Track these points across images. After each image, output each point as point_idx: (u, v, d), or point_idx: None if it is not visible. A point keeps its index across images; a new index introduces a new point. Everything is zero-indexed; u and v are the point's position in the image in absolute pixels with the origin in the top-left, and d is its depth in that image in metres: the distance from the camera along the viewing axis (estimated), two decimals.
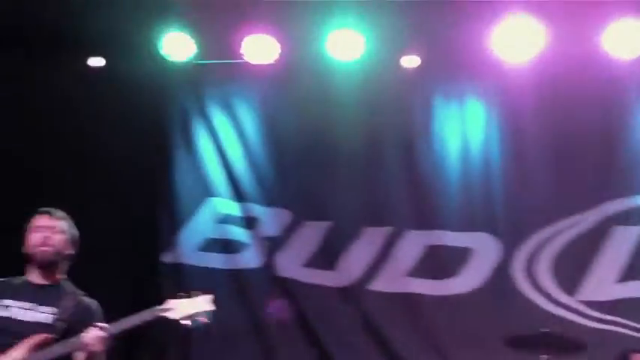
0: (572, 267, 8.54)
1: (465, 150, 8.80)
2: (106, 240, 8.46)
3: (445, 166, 8.81)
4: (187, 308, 4.97)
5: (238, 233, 8.86)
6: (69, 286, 5.40)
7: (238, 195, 8.95)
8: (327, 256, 8.82)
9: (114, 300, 7.97)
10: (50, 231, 5.34)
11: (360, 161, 8.82)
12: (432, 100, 8.90)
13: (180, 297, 5.01)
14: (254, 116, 8.96)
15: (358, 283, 8.73)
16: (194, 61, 8.69)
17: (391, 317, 8.56)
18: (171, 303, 4.99)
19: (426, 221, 8.74)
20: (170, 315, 4.95)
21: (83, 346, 4.95)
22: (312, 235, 8.84)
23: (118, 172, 8.68)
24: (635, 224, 8.53)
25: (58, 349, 5.03)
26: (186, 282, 8.64)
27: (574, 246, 8.52)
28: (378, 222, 8.79)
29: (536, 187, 8.60)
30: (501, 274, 8.55)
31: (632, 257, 8.47)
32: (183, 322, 4.97)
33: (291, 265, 8.76)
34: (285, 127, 8.94)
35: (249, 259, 8.84)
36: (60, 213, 5.47)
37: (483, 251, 8.60)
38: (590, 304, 8.47)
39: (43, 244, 5.31)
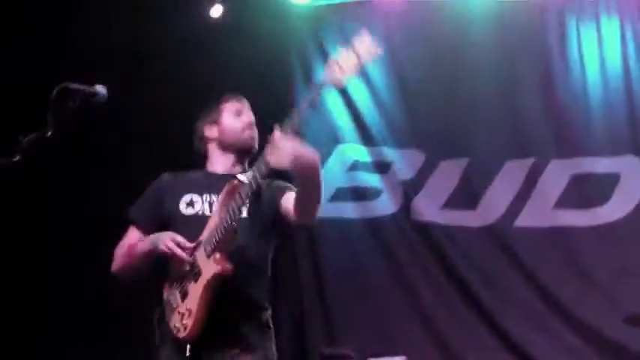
0: None
1: (604, 72, 8.43)
2: None
3: (584, 91, 8.44)
4: (350, 60, 4.30)
5: (370, 179, 8.61)
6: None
7: (367, 139, 8.72)
8: (467, 195, 8.52)
9: None
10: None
11: (496, 95, 8.51)
12: (566, 24, 8.57)
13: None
14: (380, 57, 8.61)
15: (503, 220, 8.40)
16: (315, 3, 8.57)
17: (540, 253, 8.20)
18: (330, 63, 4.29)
19: (570, 149, 8.38)
20: (333, 81, 4.35)
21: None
22: (449, 174, 8.54)
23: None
24: None
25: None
26: (318, 235, 8.49)
27: None
28: (519, 154, 8.45)
29: None
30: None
31: None
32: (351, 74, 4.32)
33: (430, 208, 8.48)
34: (413, 67, 8.69)
35: (384, 205, 8.56)
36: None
37: (632, 175, 8.20)
38: None
39: (250, 128, 5.01)
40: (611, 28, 8.49)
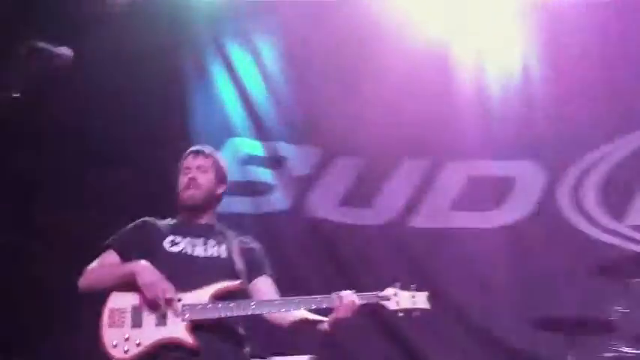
0: (619, 192, 8.27)
1: (504, 77, 8.54)
2: (120, 189, 8.19)
3: (484, 94, 8.52)
4: (406, 302, 4.97)
5: (264, 174, 8.52)
6: (229, 230, 5.48)
7: (262, 134, 8.64)
8: (362, 193, 8.51)
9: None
10: (199, 171, 5.42)
11: (393, 93, 8.44)
12: None
13: (398, 287, 5.03)
14: (277, 51, 8.60)
15: (398, 219, 8.39)
16: None
17: (436, 253, 8.15)
18: (391, 291, 5.01)
19: (466, 152, 8.44)
20: (388, 305, 4.98)
21: (335, 306, 4.98)
22: (345, 171, 8.54)
23: (133, 115, 8.17)
24: None
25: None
26: None
27: (620, 170, 8.28)
28: (415, 154, 8.46)
29: (580, 111, 8.29)
30: (547, 202, 8.28)
31: None
32: (399, 313, 4.99)
33: (324, 205, 8.42)
34: (312, 64, 8.60)
35: (277, 201, 8.43)
36: (208, 149, 5.60)
37: (527, 180, 8.36)
38: (639, 228, 8.11)
39: (189, 187, 5.37)
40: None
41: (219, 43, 8.69)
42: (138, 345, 4.84)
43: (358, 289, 7.73)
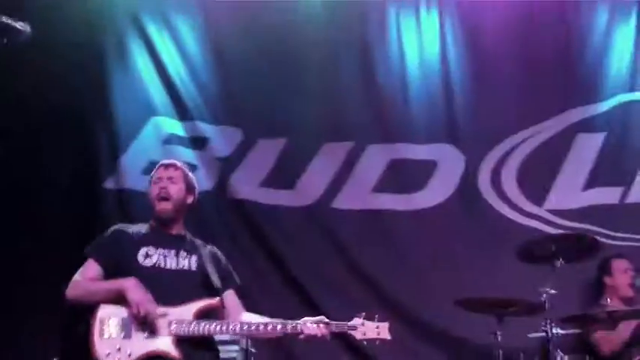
0: (538, 176, 8.49)
1: (423, 62, 8.67)
2: (43, 172, 8.12)
3: (404, 80, 8.63)
4: (371, 333, 5.27)
5: (186, 154, 8.34)
6: (195, 238, 5.82)
7: (183, 113, 8.54)
8: (285, 174, 8.51)
9: (57, 236, 7.43)
10: (169, 182, 5.72)
11: (315, 76, 8.50)
12: (387, 10, 8.69)
13: (363, 317, 5.28)
14: (196, 30, 8.51)
15: (321, 201, 8.44)
16: None
17: (358, 235, 8.20)
18: (358, 322, 5.26)
19: (388, 134, 8.54)
20: (354, 334, 5.26)
21: (301, 335, 5.29)
22: (267, 153, 8.51)
23: (52, 97, 8.01)
24: (598, 131, 8.51)
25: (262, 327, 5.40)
26: (131, 208, 8.19)
27: (538, 155, 8.46)
28: (337, 137, 8.51)
29: (498, 97, 8.49)
30: (467, 186, 8.42)
31: (596, 164, 8.46)
32: (364, 342, 5.30)
33: (247, 185, 8.38)
34: (230, 42, 8.59)
35: (200, 182, 8.03)
36: (177, 162, 5.99)
37: (448, 163, 8.47)
38: (558, 212, 8.40)
39: (159, 199, 5.65)
40: (430, 19, 8.72)
41: (139, 22, 8.57)
42: (129, 355, 5.19)
43: (284, 270, 7.86)
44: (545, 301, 6.61)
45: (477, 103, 8.54)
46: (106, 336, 5.23)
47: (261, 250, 8.23)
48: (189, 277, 5.51)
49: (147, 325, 5.23)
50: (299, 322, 5.27)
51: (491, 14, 8.57)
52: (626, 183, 8.38)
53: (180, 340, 5.24)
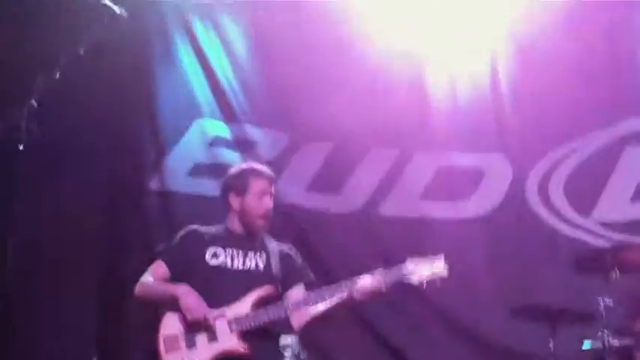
0: (586, 188, 8.38)
1: (475, 72, 8.57)
2: (86, 169, 7.95)
3: (454, 85, 8.52)
4: (424, 270, 5.18)
5: (231, 157, 8.28)
6: (269, 237, 5.75)
7: (229, 116, 8.47)
8: (331, 179, 8.44)
9: (93, 233, 7.36)
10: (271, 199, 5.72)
11: (363, 81, 8.40)
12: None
13: (414, 256, 5.20)
14: (243, 32, 8.42)
15: (367, 207, 8.39)
16: None
17: (404, 242, 8.04)
18: (410, 265, 5.19)
19: (436, 142, 8.46)
20: (411, 280, 5.19)
21: (356, 293, 5.21)
22: (313, 157, 8.47)
23: (100, 95, 7.96)
24: None
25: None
26: (175, 210, 8.19)
27: (587, 166, 8.37)
28: (384, 143, 8.45)
29: (548, 106, 8.36)
30: (515, 195, 8.34)
31: None
32: (421, 285, 5.22)
33: (293, 189, 8.32)
34: (278, 43, 8.45)
35: None
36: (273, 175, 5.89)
37: (496, 172, 8.40)
38: (605, 224, 8.28)
39: (267, 217, 5.68)
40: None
41: (187, 23, 8.50)
42: None
43: (330, 276, 7.76)
44: (602, 312, 6.48)
45: (526, 113, 8.44)
46: (171, 350, 5.28)
47: (307, 254, 8.07)
48: (254, 277, 5.48)
49: (205, 329, 5.26)
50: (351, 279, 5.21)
51: (546, 21, 8.43)
52: None
53: (245, 335, 5.25)
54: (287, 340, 6.65)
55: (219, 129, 8.39)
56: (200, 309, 5.26)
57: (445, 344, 8.00)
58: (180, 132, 8.32)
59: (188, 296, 5.28)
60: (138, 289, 5.55)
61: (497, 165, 8.38)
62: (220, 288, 5.37)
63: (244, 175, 5.73)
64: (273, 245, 5.69)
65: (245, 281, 5.44)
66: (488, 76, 8.54)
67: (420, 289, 7.70)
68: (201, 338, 5.28)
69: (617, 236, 8.16)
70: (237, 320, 5.28)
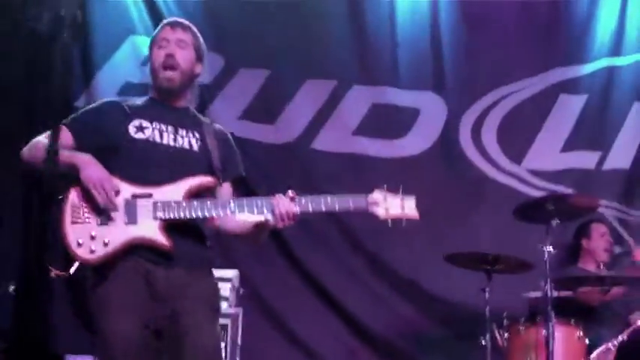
0: (518, 134, 8.50)
1: (414, 4, 8.47)
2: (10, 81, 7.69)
3: (393, 21, 8.42)
4: (394, 208, 4.51)
5: None
6: (196, 113, 4.90)
7: None
8: (265, 108, 8.29)
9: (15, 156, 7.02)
10: (177, 47, 4.74)
11: (302, 11, 8.27)
12: None
13: (385, 190, 4.52)
14: None
15: (301, 139, 8.27)
16: None
17: (336, 178, 7.95)
18: (379, 196, 4.50)
19: (373, 77, 8.38)
20: (376, 210, 4.47)
21: (275, 215, 4.40)
22: (248, 84, 8.28)
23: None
24: (580, 93, 8.50)
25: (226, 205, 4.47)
26: None
27: (520, 112, 8.47)
28: (321, 74, 8.30)
29: (484, 49, 8.37)
30: (449, 137, 8.39)
31: (576, 126, 8.46)
32: (387, 220, 4.49)
33: (226, 116, 8.04)
34: None
35: None
36: (186, 22, 4.91)
37: (431, 112, 8.40)
38: (536, 172, 8.40)
39: (165, 67, 4.68)
40: None
41: None
42: (105, 244, 4.37)
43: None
44: (545, 260, 6.47)
45: (464, 54, 8.44)
46: (78, 222, 4.39)
47: None
48: (187, 158, 4.60)
49: (125, 207, 4.42)
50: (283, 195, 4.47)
51: None
52: (604, 148, 8.37)
53: (169, 226, 4.41)
54: (228, 273, 6.49)
55: None
56: (105, 182, 4.38)
57: (381, 292, 7.94)
58: (113, 48, 7.98)
59: (90, 166, 4.39)
60: (28, 150, 4.56)
61: (433, 105, 8.35)
62: (148, 166, 4.52)
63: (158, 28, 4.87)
64: (207, 124, 4.84)
65: (177, 161, 4.58)
66: (429, 12, 8.47)
67: (357, 236, 7.87)
68: (118, 217, 4.41)
69: (547, 185, 8.24)
70: (164, 206, 4.41)
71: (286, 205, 4.40)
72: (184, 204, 4.39)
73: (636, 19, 8.60)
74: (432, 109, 8.30)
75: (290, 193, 4.45)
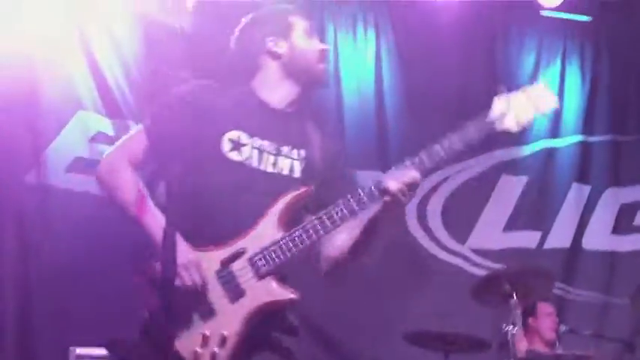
0: (462, 214, 8.68)
1: (360, 82, 8.64)
2: None
3: (339, 99, 8.53)
4: (524, 109, 3.79)
5: None
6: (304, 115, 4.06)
7: (113, 111, 7.97)
8: None
9: None
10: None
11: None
12: (325, 27, 8.55)
13: (503, 94, 3.80)
14: (132, 27, 7.96)
15: None
16: None
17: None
18: (500, 106, 3.78)
19: None
20: (507, 125, 3.80)
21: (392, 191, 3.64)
22: None
23: None
24: (520, 174, 8.74)
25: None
26: (52, 205, 7.65)
27: (463, 192, 8.64)
28: None
29: (428, 128, 8.33)
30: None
31: (517, 206, 8.74)
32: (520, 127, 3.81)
33: None
34: (165, 42, 7.96)
35: None
36: None
37: None
38: (480, 252, 8.58)
39: (325, 59, 4.05)
40: (367, 40, 8.70)
41: (72, 12, 7.93)
42: (223, 340, 3.57)
43: None
44: (510, 339, 6.51)
45: (408, 133, 8.52)
46: (183, 331, 3.56)
47: None
48: (287, 186, 3.76)
49: (222, 282, 3.61)
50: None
51: (427, 41, 8.65)
52: (545, 228, 8.56)
53: (283, 273, 3.65)
54: None
55: (102, 124, 7.92)
56: (191, 269, 3.52)
57: None
58: (62, 123, 7.82)
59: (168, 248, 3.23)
60: (100, 169, 3.88)
61: None
62: (241, 200, 3.69)
63: (281, 13, 4.08)
64: (314, 131, 4.00)
65: (276, 192, 3.73)
66: (374, 90, 8.60)
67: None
68: (218, 297, 3.58)
69: (491, 264, 8.36)
70: (264, 254, 3.60)
71: (397, 175, 3.69)
72: (285, 239, 3.63)
73: (573, 102, 8.88)
74: None
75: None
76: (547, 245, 8.56)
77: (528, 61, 8.92)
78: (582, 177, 8.87)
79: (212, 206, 3.69)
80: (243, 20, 4.11)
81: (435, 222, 8.43)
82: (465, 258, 8.41)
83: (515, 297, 6.66)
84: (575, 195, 8.75)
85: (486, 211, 8.55)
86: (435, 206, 8.46)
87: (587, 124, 8.95)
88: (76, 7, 7.90)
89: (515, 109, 3.77)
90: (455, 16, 8.45)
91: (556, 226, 8.62)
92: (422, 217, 8.43)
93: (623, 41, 9.01)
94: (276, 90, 3.93)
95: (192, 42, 7.73)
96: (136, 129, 3.94)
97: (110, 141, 7.81)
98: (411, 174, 3.72)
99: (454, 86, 8.69)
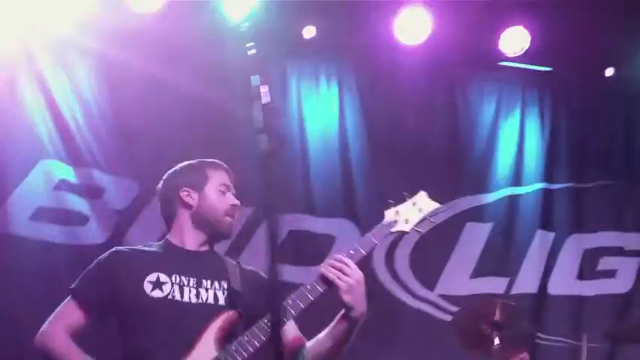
0: (430, 261, 8.65)
1: (324, 134, 8.64)
2: None
3: (305, 149, 8.54)
4: (412, 214, 4.47)
5: (77, 202, 7.69)
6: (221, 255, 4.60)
7: (76, 159, 7.84)
8: None
9: None
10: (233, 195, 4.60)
11: (214, 134, 8.08)
12: (288, 80, 8.58)
13: (392, 205, 4.47)
14: (95, 73, 7.83)
15: None
16: None
17: None
18: (391, 215, 4.42)
19: (290, 204, 8.28)
20: (402, 228, 4.43)
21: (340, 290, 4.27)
22: None
23: None
24: (485, 221, 8.81)
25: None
26: (15, 255, 7.49)
27: (431, 240, 8.29)
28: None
29: (393, 179, 8.34)
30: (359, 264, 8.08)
31: (483, 253, 8.79)
32: (416, 230, 4.49)
33: (142, 242, 7.57)
34: (128, 87, 7.88)
35: (93, 233, 7.64)
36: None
37: (345, 239, 8.22)
38: (448, 298, 8.58)
39: (234, 214, 4.53)
40: (330, 93, 8.72)
41: (32, 55, 7.80)
42: None
43: None
44: None
45: (372, 180, 8.58)
46: None
47: None
48: (214, 314, 4.18)
49: None
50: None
51: (390, 90, 8.74)
52: (512, 274, 8.57)
53: None
54: None
55: (66, 172, 7.78)
56: None
57: None
58: (24, 172, 7.64)
59: None
60: (44, 337, 4.28)
61: (347, 231, 8.37)
62: (171, 330, 4.09)
63: (200, 166, 4.63)
64: (233, 267, 4.44)
65: (203, 319, 4.15)
66: (337, 140, 8.62)
67: None
68: None
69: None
70: None
71: (336, 263, 4.28)
72: (222, 356, 4.06)
73: (533, 150, 8.95)
74: (347, 236, 8.26)
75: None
76: (514, 291, 8.57)
77: (489, 109, 9.00)
78: (546, 224, 8.95)
79: (149, 341, 4.09)
80: (168, 173, 4.73)
81: (403, 268, 8.41)
82: (434, 304, 8.37)
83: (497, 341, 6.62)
84: (540, 241, 8.82)
85: (453, 257, 8.57)
86: (403, 252, 8.44)
87: (548, 172, 9.05)
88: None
89: (403, 215, 4.45)
90: (417, 65, 8.52)
91: (522, 271, 8.67)
92: (389, 263, 8.40)
93: (580, 91, 9.13)
94: (187, 235, 4.43)
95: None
96: (65, 301, 4.35)
97: (74, 189, 7.71)
98: (346, 260, 4.40)
99: (416, 134, 8.77)
